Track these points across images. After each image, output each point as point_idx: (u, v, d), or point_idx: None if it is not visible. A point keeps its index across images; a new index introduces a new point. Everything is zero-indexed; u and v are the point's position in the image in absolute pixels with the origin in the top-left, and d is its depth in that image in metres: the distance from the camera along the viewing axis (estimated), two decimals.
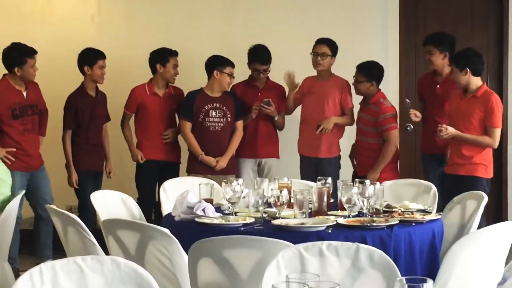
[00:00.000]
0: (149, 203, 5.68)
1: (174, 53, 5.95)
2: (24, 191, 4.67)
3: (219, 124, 5.82)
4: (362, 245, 2.77)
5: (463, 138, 5.23)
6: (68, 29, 6.81)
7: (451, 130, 5.20)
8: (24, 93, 5.60)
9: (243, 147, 6.03)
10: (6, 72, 5.58)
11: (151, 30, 6.81)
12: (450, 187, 5.12)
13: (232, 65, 5.82)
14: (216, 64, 5.81)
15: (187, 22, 6.83)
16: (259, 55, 5.97)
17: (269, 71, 6.02)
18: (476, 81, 5.26)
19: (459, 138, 5.25)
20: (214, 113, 5.81)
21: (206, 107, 5.80)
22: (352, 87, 5.89)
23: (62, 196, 5.86)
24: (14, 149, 5.47)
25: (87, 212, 5.43)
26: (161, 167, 5.88)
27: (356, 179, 3.96)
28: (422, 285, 1.94)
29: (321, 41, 5.85)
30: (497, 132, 5.20)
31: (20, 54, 5.50)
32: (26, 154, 5.56)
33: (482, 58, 5.35)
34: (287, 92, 6.12)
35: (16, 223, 5.28)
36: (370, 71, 5.67)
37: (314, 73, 6.01)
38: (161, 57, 5.91)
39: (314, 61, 5.85)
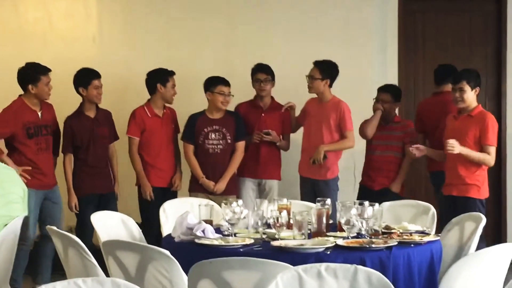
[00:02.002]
0: (153, 227, 5.41)
1: (172, 73, 5.96)
2: (26, 213, 4.65)
3: (218, 146, 5.85)
4: (360, 267, 2.79)
5: (468, 155, 5.23)
6: (70, 49, 6.85)
7: (457, 145, 5.19)
8: (39, 113, 5.61)
9: (244, 167, 6.05)
10: (22, 94, 5.61)
11: (152, 51, 6.85)
12: (446, 208, 5.14)
13: (223, 82, 5.83)
14: (207, 85, 5.87)
15: (187, 43, 6.87)
16: (261, 66, 6.06)
17: (272, 84, 6.06)
18: (475, 101, 5.32)
19: (464, 154, 5.23)
20: (213, 136, 5.84)
21: (205, 129, 5.84)
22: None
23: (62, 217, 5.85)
24: (30, 168, 5.47)
25: (83, 235, 5.37)
26: (163, 192, 5.83)
27: (356, 200, 4.00)
28: None
29: (313, 64, 5.88)
30: (494, 150, 5.24)
31: (34, 72, 5.53)
32: (40, 172, 5.55)
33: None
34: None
35: (25, 244, 5.30)
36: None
37: (313, 95, 6.04)
38: (161, 77, 5.91)
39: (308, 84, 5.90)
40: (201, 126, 5.84)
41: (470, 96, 5.29)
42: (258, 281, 3.03)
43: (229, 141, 5.87)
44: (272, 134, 6.01)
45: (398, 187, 5.95)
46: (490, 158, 5.22)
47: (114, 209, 5.57)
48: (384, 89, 6.08)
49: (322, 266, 2.79)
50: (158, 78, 5.93)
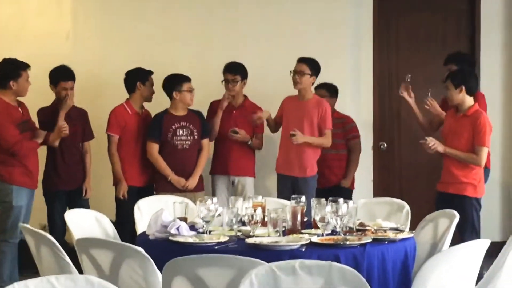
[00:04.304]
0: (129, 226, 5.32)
1: (151, 72, 5.99)
2: None
3: (186, 142, 5.83)
4: (335, 264, 2.79)
5: (449, 154, 5.29)
6: (43, 47, 6.79)
7: (437, 144, 5.25)
8: (20, 109, 5.54)
9: (216, 164, 6.06)
10: None
11: (126, 48, 6.81)
12: (441, 205, 5.16)
13: (187, 79, 5.83)
14: (173, 84, 5.83)
15: (162, 40, 6.84)
16: (229, 65, 6.04)
17: (241, 83, 6.03)
18: (469, 101, 5.33)
19: (446, 153, 5.29)
20: (181, 132, 5.82)
21: (173, 126, 5.81)
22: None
23: (35, 215, 5.78)
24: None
25: (53, 233, 5.37)
26: (140, 191, 5.77)
27: (330, 198, 4.00)
28: None
29: (300, 60, 5.89)
30: (484, 151, 5.24)
31: (14, 68, 5.45)
32: (29, 170, 5.50)
33: (477, 78, 5.54)
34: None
35: (9, 241, 5.38)
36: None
37: (290, 92, 6.04)
38: (142, 76, 5.93)
39: (293, 79, 5.88)
40: (168, 123, 5.81)
41: (455, 95, 5.31)
42: (232, 278, 3.02)
43: (196, 137, 5.86)
44: (240, 133, 5.99)
45: (348, 182, 6.25)
46: (476, 158, 5.23)
47: (82, 204, 5.62)
48: (321, 86, 6.24)
49: (297, 262, 2.79)
50: (138, 77, 5.94)
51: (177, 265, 3.09)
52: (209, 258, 3.13)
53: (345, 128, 6.24)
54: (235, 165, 6.07)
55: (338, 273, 2.75)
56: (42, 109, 5.90)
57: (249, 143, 6.07)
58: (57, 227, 5.61)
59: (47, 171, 5.85)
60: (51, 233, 5.11)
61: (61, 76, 5.82)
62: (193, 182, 5.80)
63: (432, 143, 5.26)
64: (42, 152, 5.82)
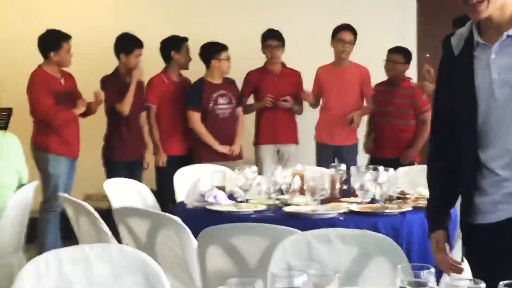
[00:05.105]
0: (169, 195, 5.21)
1: (186, 39, 5.92)
2: (36, 182, 4.67)
3: (227, 110, 5.82)
4: (370, 232, 2.76)
5: None
6: (85, 19, 6.82)
7: None
8: (62, 81, 5.58)
9: (262, 134, 6.03)
10: (40, 64, 5.57)
11: (166, 18, 6.82)
12: None
13: (226, 48, 5.79)
14: (211, 53, 5.78)
15: (202, 10, 6.84)
16: (272, 32, 5.99)
17: (282, 49, 5.99)
18: None
19: None
20: (221, 100, 5.80)
21: (214, 94, 5.78)
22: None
23: (79, 185, 5.85)
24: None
25: None
26: (179, 160, 5.72)
27: (370, 165, 3.95)
28: (423, 272, 1.93)
29: (345, 28, 5.83)
30: None
31: (55, 39, 5.50)
32: (66, 140, 5.55)
33: None
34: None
35: (52, 211, 5.48)
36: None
37: (326, 61, 5.99)
38: (175, 44, 5.89)
39: (338, 49, 5.84)
40: (209, 92, 5.77)
41: None
42: (267, 247, 3.00)
43: (234, 105, 5.86)
44: (289, 101, 5.96)
45: (407, 156, 5.79)
46: None
47: (140, 176, 5.62)
48: (396, 51, 5.98)
49: (332, 231, 2.76)
50: (172, 45, 5.90)
51: (211, 234, 3.09)
52: (243, 227, 3.13)
53: (414, 102, 5.83)
54: (283, 133, 6.06)
55: (373, 241, 2.71)
56: (105, 78, 5.82)
57: (295, 109, 6.04)
58: None
59: (109, 141, 5.80)
60: None
61: (136, 43, 5.79)
62: (237, 148, 5.81)
63: None
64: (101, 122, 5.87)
